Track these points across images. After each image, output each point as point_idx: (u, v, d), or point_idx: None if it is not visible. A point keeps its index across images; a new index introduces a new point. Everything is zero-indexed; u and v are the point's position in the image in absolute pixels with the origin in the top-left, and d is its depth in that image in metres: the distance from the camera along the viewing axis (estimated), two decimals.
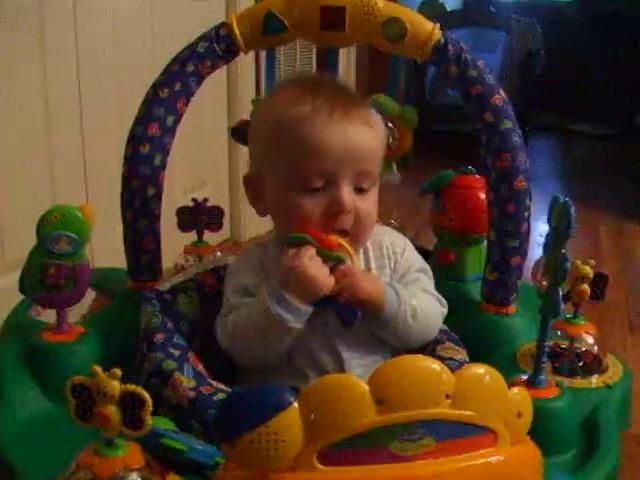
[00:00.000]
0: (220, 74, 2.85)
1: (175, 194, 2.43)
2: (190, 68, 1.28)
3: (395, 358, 0.74)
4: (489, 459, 0.73)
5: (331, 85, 1.13)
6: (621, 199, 4.36)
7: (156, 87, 1.29)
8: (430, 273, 1.19)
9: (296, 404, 0.69)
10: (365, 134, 1.07)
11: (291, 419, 0.69)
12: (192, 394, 1.02)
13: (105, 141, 2.23)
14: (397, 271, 1.15)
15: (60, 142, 2.12)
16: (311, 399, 0.70)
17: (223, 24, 1.28)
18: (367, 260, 1.15)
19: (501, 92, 1.26)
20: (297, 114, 1.05)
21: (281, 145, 1.07)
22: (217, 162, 3.04)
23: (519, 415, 0.76)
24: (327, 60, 1.39)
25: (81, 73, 2.17)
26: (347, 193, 1.06)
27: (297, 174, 1.06)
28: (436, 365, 0.71)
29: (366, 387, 0.69)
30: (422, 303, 1.11)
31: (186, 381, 1.04)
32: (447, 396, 0.70)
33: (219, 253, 1.51)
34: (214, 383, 1.06)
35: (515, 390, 0.76)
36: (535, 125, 5.55)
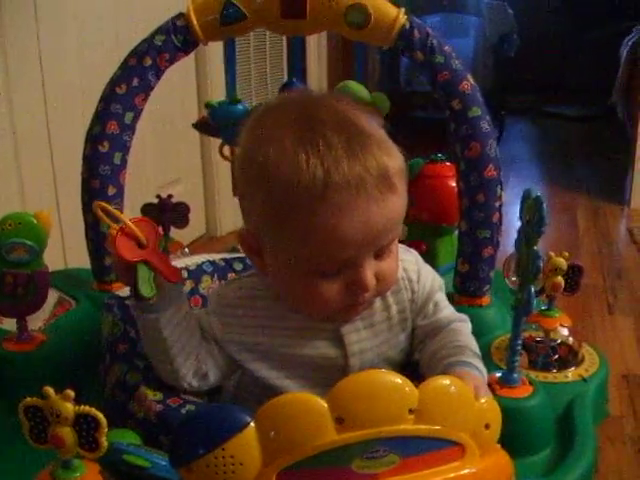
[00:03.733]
0: (189, 68, 2.82)
1: (148, 192, 2.40)
2: (148, 62, 1.26)
3: (356, 373, 0.70)
4: (457, 473, 0.71)
5: (338, 123, 0.87)
6: (598, 180, 4.40)
7: (113, 83, 1.27)
8: (442, 283, 1.07)
9: (253, 424, 0.66)
10: (387, 206, 0.86)
11: (248, 440, 0.66)
12: (159, 407, 0.99)
13: (73, 138, 2.19)
14: (416, 302, 1.03)
15: (27, 142, 2.07)
16: (268, 419, 0.66)
17: (180, 15, 1.25)
18: (387, 308, 1.01)
19: (469, 78, 1.22)
20: (307, 190, 0.83)
21: (288, 224, 0.86)
22: (190, 158, 3.02)
23: (487, 426, 0.73)
24: (293, 49, 1.36)
25: (45, 71, 2.11)
26: (369, 272, 0.89)
27: (309, 259, 0.88)
28: (398, 379, 0.68)
29: (325, 405, 0.66)
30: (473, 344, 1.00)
31: (152, 394, 1.01)
32: (410, 411, 0.67)
33: (187, 250, 1.49)
34: (182, 394, 1.03)
35: (482, 400, 0.73)
36: (511, 108, 5.57)
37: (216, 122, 1.38)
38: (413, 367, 1.04)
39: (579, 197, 4.05)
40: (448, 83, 1.21)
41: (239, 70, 3.08)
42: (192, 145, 3.00)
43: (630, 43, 4.56)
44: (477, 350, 0.99)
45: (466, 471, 0.71)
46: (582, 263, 1.19)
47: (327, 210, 0.83)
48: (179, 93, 2.72)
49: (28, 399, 0.76)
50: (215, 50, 2.63)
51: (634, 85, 3.99)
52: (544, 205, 0.90)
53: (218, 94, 2.99)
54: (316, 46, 3.56)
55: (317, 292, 0.89)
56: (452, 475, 0.70)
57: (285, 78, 3.40)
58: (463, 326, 1.03)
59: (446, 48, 1.23)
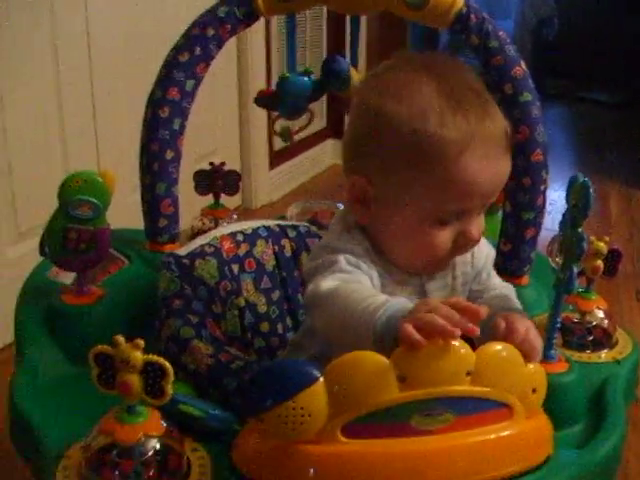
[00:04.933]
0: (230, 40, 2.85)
1: (185, 162, 2.44)
2: (210, 32, 1.29)
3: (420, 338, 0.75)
4: (505, 432, 0.77)
5: (467, 85, 0.95)
6: (631, 167, 4.37)
7: (177, 51, 1.30)
8: (494, 255, 1.12)
9: (322, 379, 0.71)
10: (508, 164, 0.96)
11: (317, 394, 0.71)
12: (210, 361, 1.05)
13: (116, 108, 2.26)
14: (474, 269, 1.07)
15: (71, 110, 2.13)
16: (337, 375, 0.72)
17: None
18: (453, 266, 1.05)
19: (522, 64, 1.25)
20: (454, 142, 0.90)
21: (428, 173, 0.92)
22: (228, 130, 3.06)
23: (534, 390, 0.79)
24: (350, 28, 1.38)
25: (91, 41, 2.17)
26: (478, 226, 0.96)
27: (437, 209, 0.93)
28: (458, 343, 0.73)
29: (389, 364, 0.71)
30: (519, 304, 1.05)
31: (204, 348, 1.06)
32: (467, 373, 0.72)
33: (235, 216, 1.53)
34: (231, 350, 1.09)
35: (531, 366, 0.79)
36: (547, 93, 5.53)
37: (284, 94, 1.40)
38: None
39: (612, 184, 4.02)
40: (501, 67, 1.24)
41: (281, 46, 3.13)
42: (230, 117, 3.04)
43: None
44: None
45: (513, 431, 0.77)
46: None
47: (470, 158, 0.91)
48: (219, 63, 2.75)
49: (99, 346, 0.79)
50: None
51: None
52: (591, 190, 0.94)
53: (258, 64, 3.05)
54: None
55: (432, 239, 0.95)
56: (500, 435, 0.76)
57: (324, 54, 3.44)
58: (511, 291, 1.08)
59: (501, 33, 1.25)
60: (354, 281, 0.91)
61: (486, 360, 0.75)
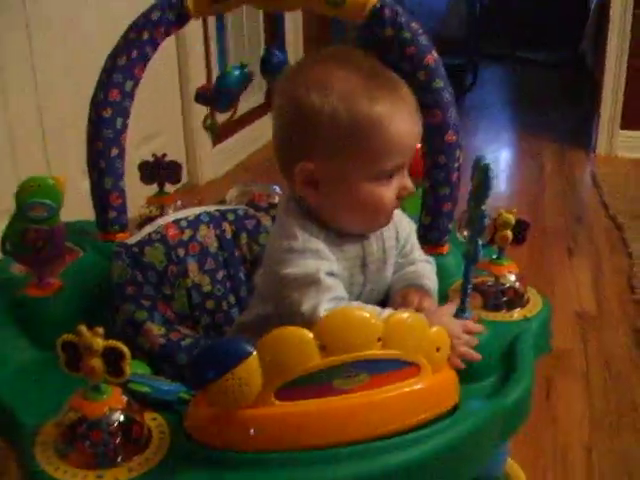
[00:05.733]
0: None
1: (131, 144, 2.51)
2: (146, 35, 1.36)
3: (334, 310, 0.90)
4: (414, 387, 0.90)
5: (381, 70, 1.14)
6: (566, 126, 4.46)
7: (115, 55, 1.37)
8: (415, 228, 1.32)
9: (255, 353, 0.84)
10: (420, 124, 1.16)
11: (252, 366, 0.84)
12: (162, 340, 1.17)
13: (61, 107, 2.34)
14: (399, 240, 1.25)
15: (19, 115, 2.20)
16: (267, 348, 0.85)
17: None
18: (383, 241, 1.22)
19: (434, 52, 1.32)
20: (377, 114, 1.08)
21: (361, 144, 1.09)
22: (171, 111, 3.16)
23: (438, 349, 0.93)
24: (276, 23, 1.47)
25: (32, 41, 2.24)
26: (409, 180, 1.15)
27: (378, 169, 1.11)
28: (368, 314, 0.87)
29: (311, 336, 0.84)
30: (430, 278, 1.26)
31: (156, 329, 1.19)
32: (379, 339, 0.86)
33: (179, 202, 1.62)
34: (181, 329, 1.21)
35: (434, 329, 0.92)
36: (485, 54, 5.61)
37: (222, 89, 1.49)
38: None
39: (547, 142, 4.14)
40: (414, 57, 1.31)
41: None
42: (172, 98, 3.14)
43: None
44: (434, 285, 1.23)
45: (421, 385, 0.91)
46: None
47: (400, 122, 1.09)
48: (159, 49, 2.82)
49: (64, 335, 0.89)
50: None
51: (602, 34, 4.06)
52: (491, 172, 1.05)
53: (196, 45, 3.13)
54: (292, 19, 3.67)
55: (381, 195, 1.12)
56: (411, 389, 0.90)
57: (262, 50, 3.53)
58: (427, 267, 1.26)
59: (413, 25, 1.32)
60: (342, 298, 1.09)
61: (393, 327, 0.88)
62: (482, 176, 1.05)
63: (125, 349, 0.88)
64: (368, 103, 1.07)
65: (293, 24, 3.58)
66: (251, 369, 0.83)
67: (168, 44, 2.93)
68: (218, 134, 1.61)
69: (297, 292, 1.07)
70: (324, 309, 1.03)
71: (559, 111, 4.81)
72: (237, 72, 1.50)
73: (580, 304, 2.45)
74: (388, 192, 1.12)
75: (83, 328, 0.87)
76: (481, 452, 1.03)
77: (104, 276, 1.31)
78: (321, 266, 1.09)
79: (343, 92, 1.08)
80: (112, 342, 0.88)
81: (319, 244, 1.11)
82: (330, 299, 1.06)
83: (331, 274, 1.09)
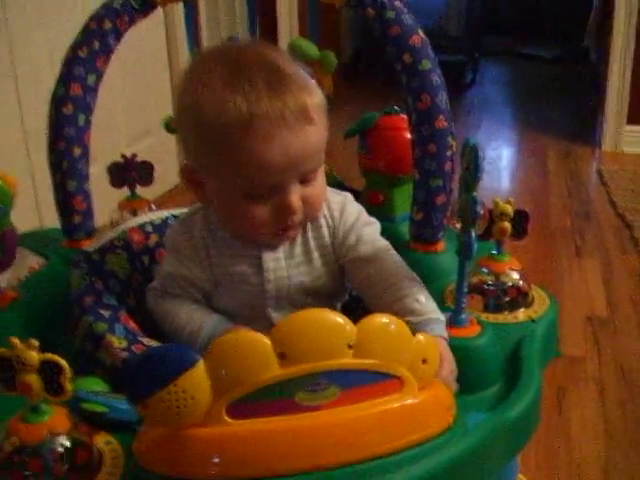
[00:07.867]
0: (157, 22, 2.85)
1: (120, 144, 2.45)
2: (108, 25, 1.29)
3: (297, 312, 0.76)
4: (396, 404, 0.77)
5: (260, 66, 0.99)
6: (570, 122, 4.41)
7: (75, 46, 1.30)
8: (378, 225, 1.16)
9: (202, 361, 0.72)
10: (306, 136, 0.98)
11: (198, 376, 0.72)
12: (124, 354, 1.05)
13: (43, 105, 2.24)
14: (337, 236, 1.12)
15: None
16: (217, 356, 0.72)
17: None
18: (306, 242, 1.11)
19: (420, 32, 1.24)
20: (235, 125, 0.95)
21: (219, 153, 0.99)
22: (160, 110, 3.05)
23: (424, 361, 0.79)
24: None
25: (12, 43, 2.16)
26: (294, 196, 1.01)
27: (240, 183, 1.00)
28: (337, 317, 0.74)
29: (268, 342, 0.71)
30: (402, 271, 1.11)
31: (117, 342, 1.07)
32: (349, 346, 0.73)
33: (153, 206, 1.53)
34: (145, 341, 1.09)
35: (420, 337, 0.79)
36: (486, 51, 5.58)
37: None
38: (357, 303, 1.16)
39: (551, 139, 4.08)
40: (398, 37, 1.23)
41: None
42: (162, 97, 3.05)
43: None
44: (409, 273, 1.09)
45: (404, 402, 0.77)
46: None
47: (252, 140, 0.95)
48: (149, 46, 2.76)
49: None
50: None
51: (606, 26, 4.01)
52: (479, 153, 0.94)
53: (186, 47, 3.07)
54: (286, 3, 3.59)
55: (250, 215, 1.02)
56: (391, 407, 0.76)
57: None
58: (387, 255, 1.12)
59: (396, 3, 1.24)
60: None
61: (368, 332, 0.75)
62: (471, 157, 0.95)
63: (63, 362, 0.79)
64: (216, 113, 0.96)
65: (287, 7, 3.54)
66: (197, 380, 0.72)
67: (158, 42, 2.94)
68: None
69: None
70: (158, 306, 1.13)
71: (563, 107, 4.78)
72: None
73: (591, 307, 2.35)
74: (256, 212, 1.02)
75: (15, 340, 0.79)
76: (483, 474, 0.90)
77: (68, 286, 1.20)
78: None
79: (200, 96, 0.99)
80: (49, 355, 0.79)
81: (186, 244, 1.11)
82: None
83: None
